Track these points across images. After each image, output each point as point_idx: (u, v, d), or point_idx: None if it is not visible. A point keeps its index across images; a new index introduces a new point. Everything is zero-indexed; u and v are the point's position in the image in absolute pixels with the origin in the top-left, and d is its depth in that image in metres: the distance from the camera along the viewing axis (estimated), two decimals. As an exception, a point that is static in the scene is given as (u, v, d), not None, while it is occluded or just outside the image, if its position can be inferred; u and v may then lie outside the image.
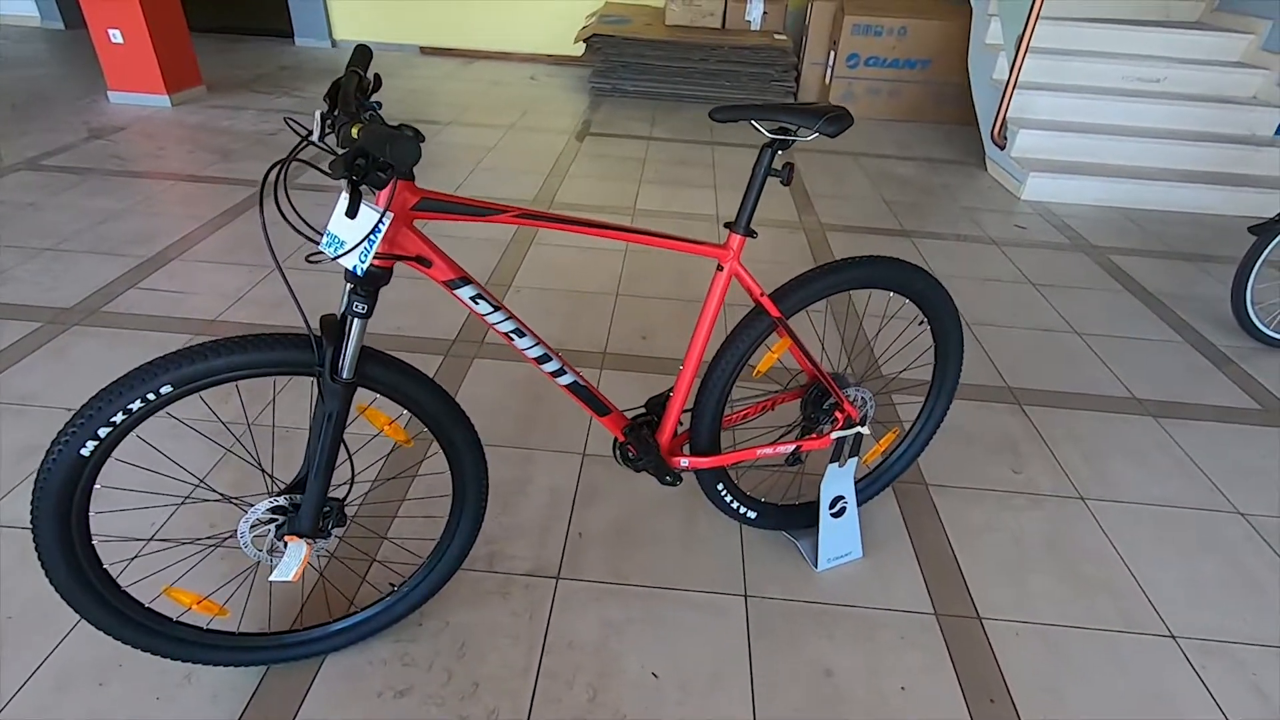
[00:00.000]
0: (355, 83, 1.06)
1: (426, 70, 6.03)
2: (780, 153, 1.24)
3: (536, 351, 1.24)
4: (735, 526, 1.73)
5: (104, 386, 1.01)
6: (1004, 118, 4.16)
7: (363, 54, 1.15)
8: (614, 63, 5.44)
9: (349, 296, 1.03)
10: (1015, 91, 4.13)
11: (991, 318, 2.75)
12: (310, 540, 1.17)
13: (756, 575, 1.61)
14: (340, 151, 0.92)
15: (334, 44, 6.59)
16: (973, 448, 2.04)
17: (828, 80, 5.37)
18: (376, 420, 1.19)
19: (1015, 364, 2.46)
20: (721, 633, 1.47)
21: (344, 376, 1.06)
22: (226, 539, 1.57)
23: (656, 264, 2.96)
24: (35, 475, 1.02)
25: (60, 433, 1.00)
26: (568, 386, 1.30)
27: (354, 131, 0.85)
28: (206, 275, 2.66)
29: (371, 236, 0.97)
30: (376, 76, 1.14)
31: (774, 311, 1.33)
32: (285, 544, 1.17)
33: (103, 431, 1.00)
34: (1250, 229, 2.53)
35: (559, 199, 3.57)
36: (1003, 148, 4.20)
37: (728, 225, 1.30)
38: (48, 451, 1.01)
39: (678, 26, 5.65)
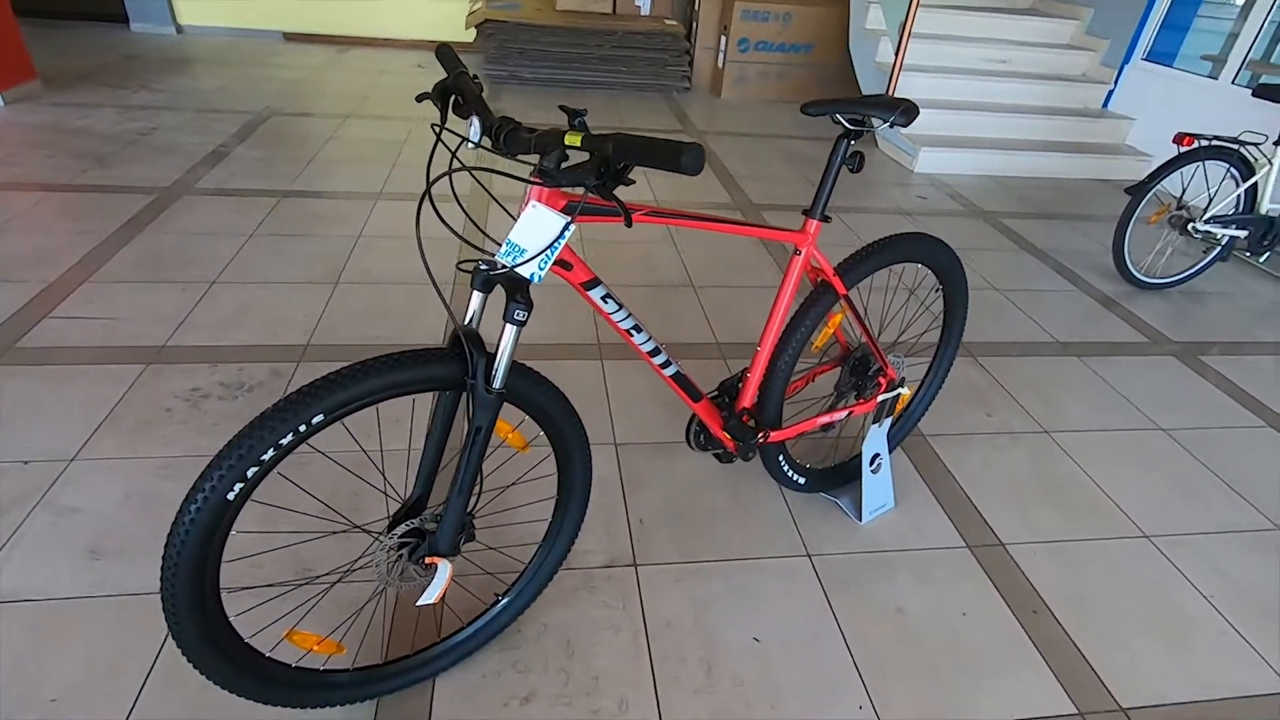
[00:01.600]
0: (470, 84, 1.03)
1: (300, 59, 5.58)
2: (853, 143, 1.34)
3: (650, 345, 1.26)
4: (778, 494, 1.83)
5: (251, 422, 0.92)
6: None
7: (450, 54, 1.12)
8: (508, 49, 5.31)
9: (509, 304, 1.00)
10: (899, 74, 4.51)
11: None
12: (450, 559, 1.13)
13: (811, 535, 1.73)
14: (533, 159, 0.90)
15: (179, 30, 5.92)
16: (950, 399, 2.27)
17: (720, 64, 5.57)
18: (499, 429, 1.16)
19: (958, 321, 2.74)
20: (800, 592, 1.58)
21: (496, 387, 1.04)
22: (352, 570, 1.47)
23: (617, 252, 2.98)
24: (171, 529, 0.92)
25: (203, 478, 0.91)
26: (672, 376, 1.33)
27: (571, 139, 0.83)
28: (131, 297, 2.37)
29: (555, 243, 0.95)
30: (475, 77, 1.11)
31: (841, 289, 1.43)
32: (424, 566, 1.12)
33: (252, 472, 0.92)
34: (1126, 190, 2.97)
35: (500, 193, 3.47)
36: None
37: (805, 212, 1.38)
38: (187, 501, 0.92)
39: (569, 11, 5.61)
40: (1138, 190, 2.93)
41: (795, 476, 1.70)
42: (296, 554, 1.52)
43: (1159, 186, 2.93)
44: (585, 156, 0.82)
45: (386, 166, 3.64)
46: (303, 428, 0.94)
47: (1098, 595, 1.65)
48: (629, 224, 0.91)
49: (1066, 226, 3.79)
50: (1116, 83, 4.86)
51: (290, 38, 6.08)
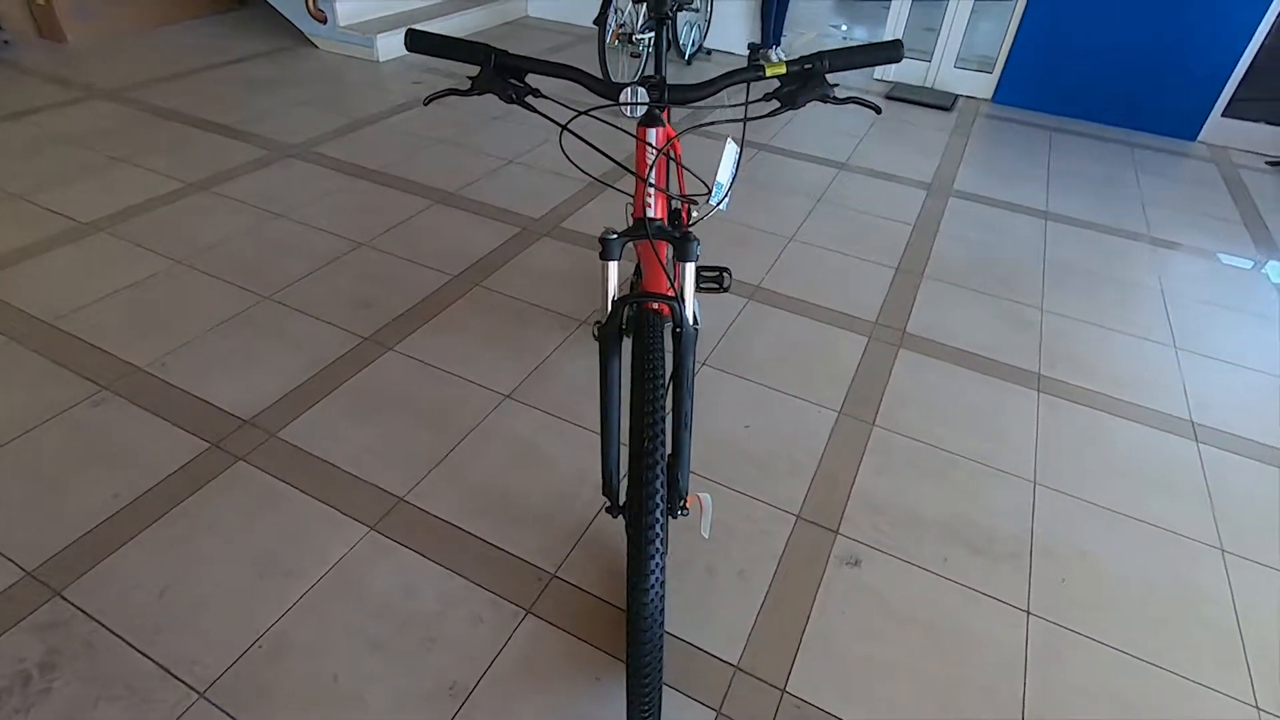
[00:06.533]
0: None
1: None
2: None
3: None
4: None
5: (641, 503, 0.85)
6: (312, -7, 4.20)
7: (431, 36, 0.97)
8: None
9: (690, 244, 1.03)
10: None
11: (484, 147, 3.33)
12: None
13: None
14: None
15: None
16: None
17: None
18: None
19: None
20: (722, 385, 2.01)
21: (694, 324, 1.09)
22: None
23: (283, 235, 2.42)
24: (636, 624, 0.82)
25: (645, 570, 0.83)
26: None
27: (776, 69, 0.88)
28: None
29: (736, 170, 1.00)
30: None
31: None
32: (685, 508, 1.17)
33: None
34: (593, 21, 3.66)
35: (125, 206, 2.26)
36: (325, 22, 4.30)
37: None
38: (639, 592, 0.83)
39: None
40: (600, 20, 3.66)
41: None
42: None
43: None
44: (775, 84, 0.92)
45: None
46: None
47: (818, 284, 2.52)
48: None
49: (533, 69, 4.40)
50: (465, -67, 5.39)
51: None
